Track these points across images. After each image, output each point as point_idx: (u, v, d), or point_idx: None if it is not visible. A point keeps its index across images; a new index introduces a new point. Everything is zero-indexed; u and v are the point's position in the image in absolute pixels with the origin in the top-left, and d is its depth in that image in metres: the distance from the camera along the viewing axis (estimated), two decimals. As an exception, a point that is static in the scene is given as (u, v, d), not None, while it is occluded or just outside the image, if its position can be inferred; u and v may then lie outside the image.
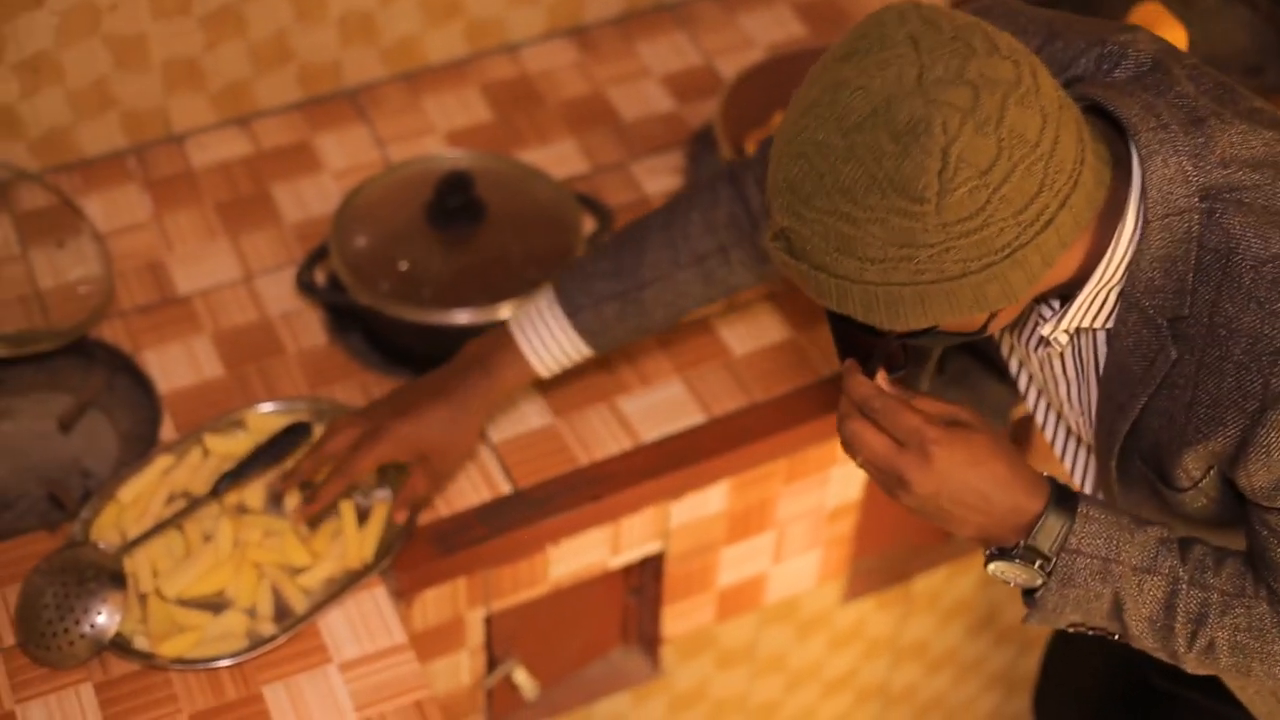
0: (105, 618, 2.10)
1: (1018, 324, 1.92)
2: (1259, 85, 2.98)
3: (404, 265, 2.47)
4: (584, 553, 2.42)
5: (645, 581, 2.62)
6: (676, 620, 2.67)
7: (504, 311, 2.40)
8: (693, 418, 2.46)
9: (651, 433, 2.43)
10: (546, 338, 2.20)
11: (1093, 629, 1.87)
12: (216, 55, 2.69)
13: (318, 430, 2.33)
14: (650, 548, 2.50)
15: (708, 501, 2.49)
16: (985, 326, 1.72)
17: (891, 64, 1.57)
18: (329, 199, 2.69)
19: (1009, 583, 1.83)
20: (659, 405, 2.46)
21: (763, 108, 2.76)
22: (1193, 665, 1.84)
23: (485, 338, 2.25)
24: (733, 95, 2.70)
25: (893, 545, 2.90)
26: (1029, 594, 1.84)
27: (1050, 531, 1.77)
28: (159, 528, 2.20)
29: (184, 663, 2.12)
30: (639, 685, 2.76)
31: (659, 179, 2.76)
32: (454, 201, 2.49)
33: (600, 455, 2.41)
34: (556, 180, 2.62)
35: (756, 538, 2.62)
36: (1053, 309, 1.80)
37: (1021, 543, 1.78)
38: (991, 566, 1.82)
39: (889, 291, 1.61)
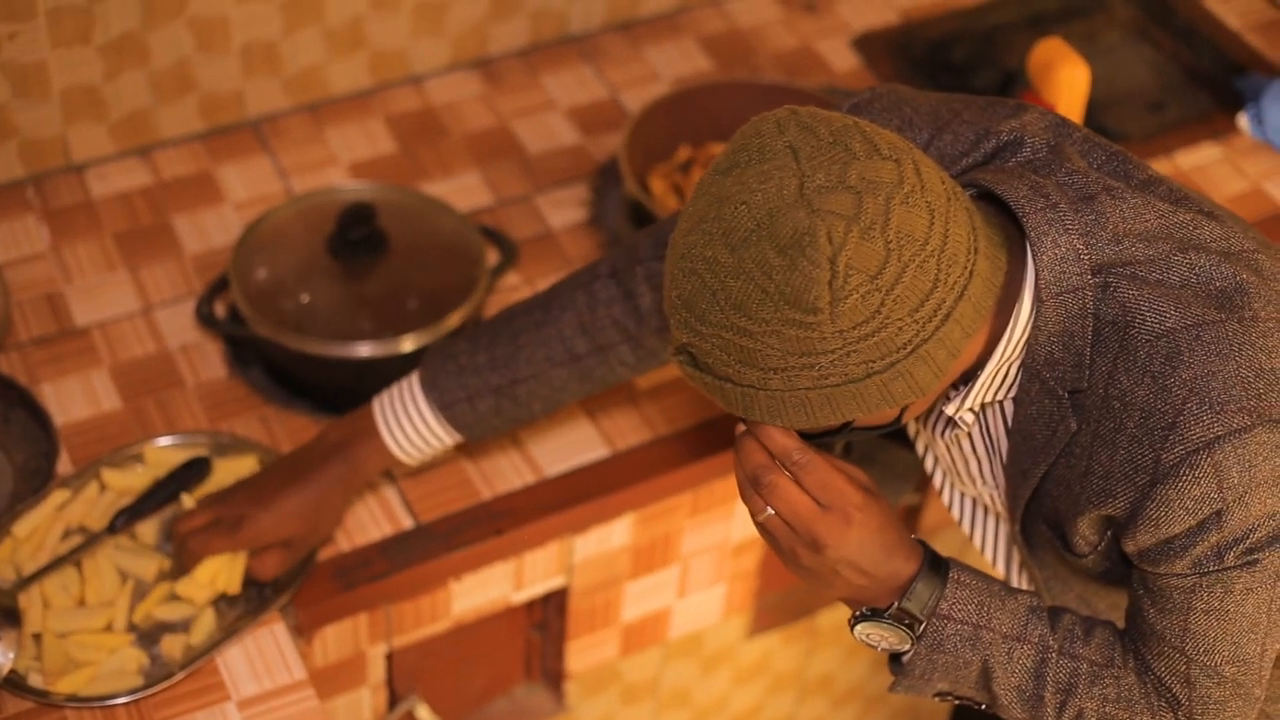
0: (-1, 655, 2.07)
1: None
2: (1161, 121, 3.00)
3: (305, 297, 2.45)
4: (487, 588, 2.41)
5: (549, 616, 2.61)
6: (580, 655, 2.66)
7: (406, 344, 2.38)
8: (596, 451, 2.44)
9: (555, 467, 2.42)
10: (413, 432, 2.17)
11: (960, 698, 1.86)
12: (117, 84, 2.66)
13: (217, 464, 2.30)
14: (554, 582, 2.49)
15: (611, 536, 2.48)
16: (899, 418, 1.71)
17: (772, 176, 1.57)
18: (230, 230, 2.66)
19: (875, 646, 1.81)
20: (562, 439, 2.44)
21: (668, 141, 2.76)
22: None
23: (346, 423, 2.20)
24: (638, 128, 2.70)
25: (798, 580, 2.89)
26: (895, 661, 1.83)
27: (922, 596, 1.77)
28: (54, 564, 2.17)
29: (79, 701, 2.09)
30: (543, 721, 2.75)
31: (563, 212, 2.75)
32: (356, 233, 2.47)
33: (503, 489, 2.39)
34: (460, 212, 2.61)
35: (660, 572, 2.61)
36: (956, 389, 1.80)
37: (895, 604, 1.77)
38: (859, 628, 1.80)
39: (795, 396, 1.61)
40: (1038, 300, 1.69)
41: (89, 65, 2.62)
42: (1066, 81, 2.69)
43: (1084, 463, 1.73)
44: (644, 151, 2.71)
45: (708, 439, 2.46)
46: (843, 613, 3.01)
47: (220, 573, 2.17)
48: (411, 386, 2.17)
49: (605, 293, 2.11)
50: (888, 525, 1.76)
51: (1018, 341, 1.72)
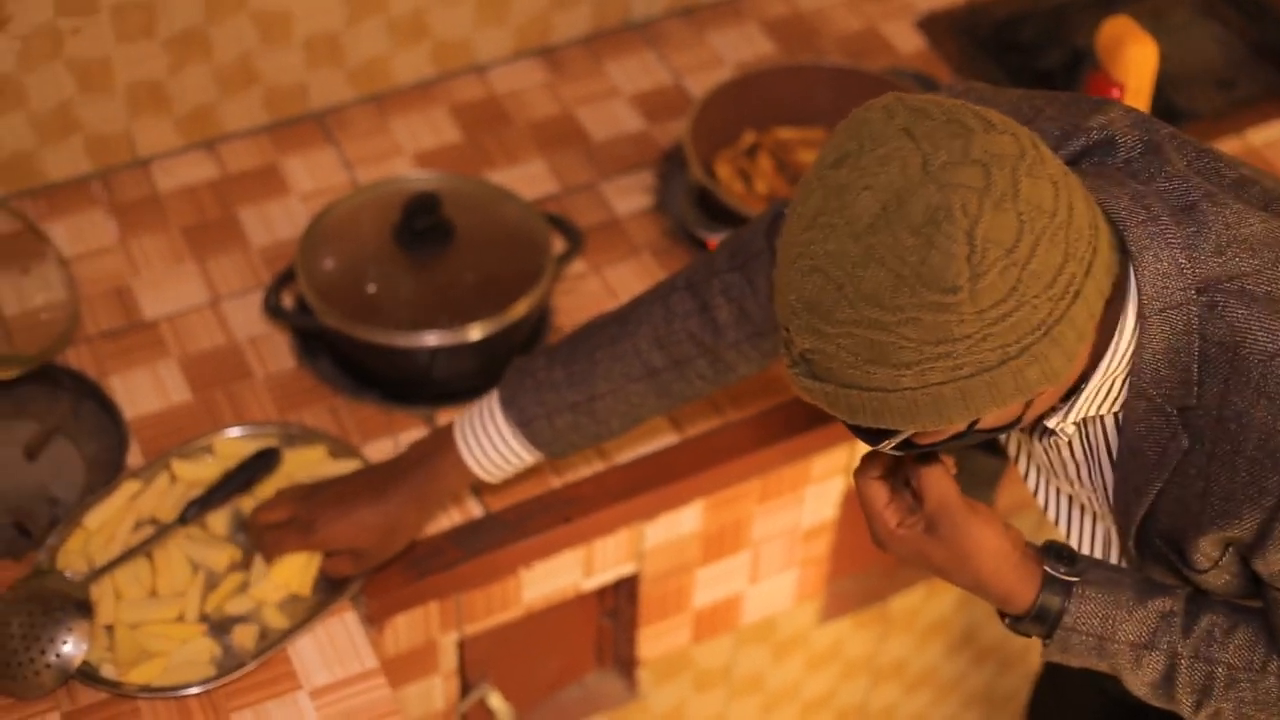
0: (72, 646, 2.08)
1: None
2: (1230, 99, 2.98)
3: (372, 288, 2.45)
4: (557, 575, 2.41)
5: (620, 603, 2.61)
6: (652, 642, 2.65)
7: (473, 333, 2.38)
8: (665, 438, 2.44)
9: (624, 453, 2.41)
10: (492, 450, 2.16)
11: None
12: (181, 78, 2.67)
13: (287, 455, 2.31)
14: (624, 569, 2.48)
15: (681, 522, 2.47)
16: (1023, 414, 1.67)
17: (892, 158, 1.51)
18: (296, 222, 2.67)
19: None
20: (632, 425, 2.44)
21: (732, 126, 2.75)
22: None
23: (429, 440, 2.20)
24: (702, 114, 2.69)
25: (870, 565, 2.89)
26: None
27: (1045, 614, 1.81)
28: (126, 555, 2.18)
29: (151, 691, 2.10)
30: (616, 708, 2.75)
31: (629, 199, 2.75)
32: (422, 223, 2.47)
33: (572, 477, 2.39)
34: (525, 201, 2.60)
35: (731, 558, 2.60)
36: (1062, 400, 1.75)
37: (1022, 619, 1.84)
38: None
39: (928, 394, 1.54)
40: (1140, 316, 1.66)
41: (153, 59, 2.63)
42: (1135, 60, 2.66)
43: (1201, 483, 1.70)
44: (709, 137, 2.70)
45: (777, 424, 2.46)
46: (915, 598, 3.01)
47: (295, 575, 2.18)
48: (491, 404, 2.16)
49: (681, 306, 2.08)
50: (975, 550, 1.78)
51: (1123, 355, 1.68)
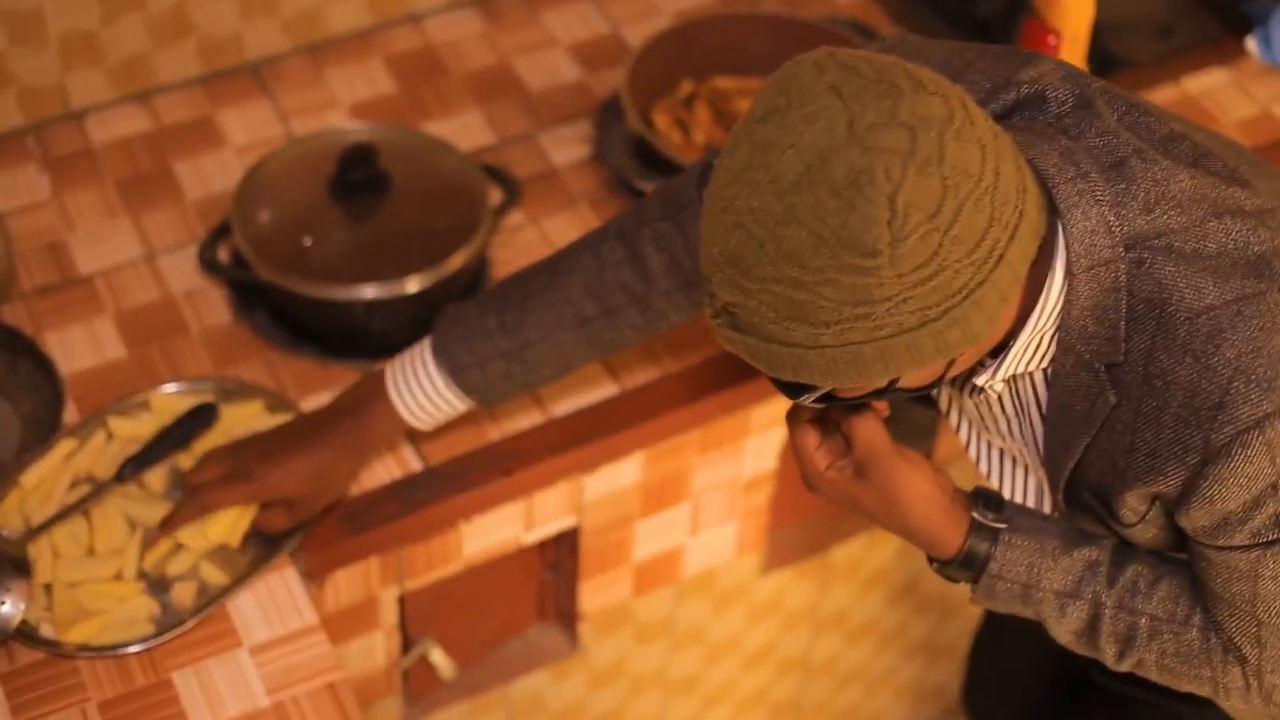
0: (9, 606, 2.06)
1: None
2: (1168, 46, 2.98)
3: (308, 240, 2.44)
4: (497, 529, 2.40)
5: (561, 557, 2.60)
6: (593, 595, 2.65)
7: (410, 285, 2.37)
8: (604, 390, 2.43)
9: (563, 406, 2.41)
10: (424, 397, 2.15)
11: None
12: (115, 29, 2.65)
13: (224, 410, 2.29)
14: (565, 522, 2.48)
15: (621, 474, 2.47)
16: (941, 376, 1.68)
17: (818, 117, 1.50)
18: (231, 174, 2.65)
19: None
20: (570, 378, 2.42)
21: (670, 75, 2.74)
22: (1123, 670, 1.88)
23: (360, 387, 2.20)
24: (640, 63, 2.68)
25: (811, 516, 2.89)
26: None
27: (972, 560, 1.83)
28: (63, 513, 2.16)
29: (91, 650, 2.09)
30: (557, 662, 2.75)
31: (567, 149, 2.74)
32: (357, 175, 2.46)
33: (512, 429, 2.38)
34: (462, 152, 2.59)
35: (672, 510, 2.60)
36: (988, 360, 1.76)
37: (950, 564, 1.85)
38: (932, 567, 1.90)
39: (847, 352, 1.54)
40: (1069, 273, 1.66)
41: (86, 10, 2.60)
42: (1072, 6, 2.66)
43: (1127, 439, 1.71)
44: (646, 87, 2.69)
45: (716, 375, 2.45)
46: (856, 548, 3.02)
47: (226, 529, 2.17)
48: (423, 352, 2.15)
49: (612, 255, 2.08)
50: (899, 500, 1.80)
51: (1051, 312, 1.68)
